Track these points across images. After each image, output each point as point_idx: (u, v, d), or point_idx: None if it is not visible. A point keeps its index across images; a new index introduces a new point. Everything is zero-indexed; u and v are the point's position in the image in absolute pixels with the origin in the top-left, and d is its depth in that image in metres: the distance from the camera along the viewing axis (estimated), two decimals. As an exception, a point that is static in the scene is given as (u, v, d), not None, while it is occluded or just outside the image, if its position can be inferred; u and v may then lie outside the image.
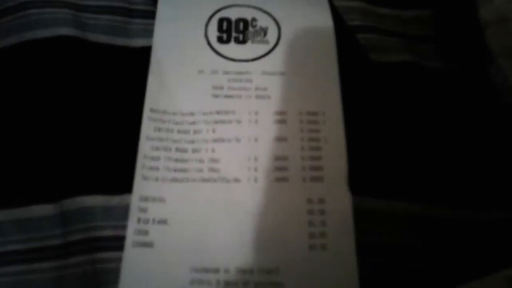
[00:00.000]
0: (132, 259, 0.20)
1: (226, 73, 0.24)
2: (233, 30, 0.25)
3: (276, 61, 0.24)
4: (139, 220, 0.21)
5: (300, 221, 0.21)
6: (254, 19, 0.26)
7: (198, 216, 0.21)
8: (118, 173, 0.21)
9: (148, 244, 0.20)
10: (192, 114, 0.23)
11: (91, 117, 0.23)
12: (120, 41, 0.25)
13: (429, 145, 0.23)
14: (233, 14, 0.26)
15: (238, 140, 0.22)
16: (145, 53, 0.24)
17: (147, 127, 0.22)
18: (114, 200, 0.21)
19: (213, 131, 0.22)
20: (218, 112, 0.23)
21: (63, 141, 0.22)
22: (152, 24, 0.25)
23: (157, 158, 0.22)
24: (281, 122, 0.23)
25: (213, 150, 0.22)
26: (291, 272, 0.20)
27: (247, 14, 0.26)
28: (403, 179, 0.22)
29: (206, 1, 0.26)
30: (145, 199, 0.21)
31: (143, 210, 0.21)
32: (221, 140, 0.22)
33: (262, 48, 0.25)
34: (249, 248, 0.20)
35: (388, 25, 0.27)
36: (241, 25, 0.26)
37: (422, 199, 0.22)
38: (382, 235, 0.21)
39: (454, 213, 0.21)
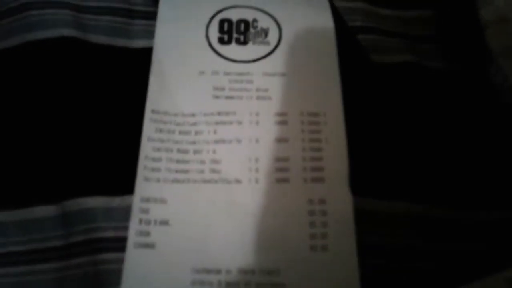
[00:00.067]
0: (134, 260, 0.20)
1: (227, 74, 0.24)
2: (234, 31, 0.25)
3: (277, 62, 0.24)
4: (140, 221, 0.21)
5: (301, 222, 0.21)
6: (255, 20, 0.26)
7: (199, 217, 0.21)
8: (120, 174, 0.22)
9: (150, 245, 0.20)
10: (193, 115, 0.23)
11: (92, 118, 0.23)
12: (120, 42, 0.25)
13: (430, 145, 0.23)
14: (234, 15, 0.26)
15: (239, 141, 0.22)
16: (146, 54, 0.24)
17: (148, 128, 0.22)
18: (116, 201, 0.21)
19: (214, 132, 0.22)
20: (219, 113, 0.23)
21: (64, 142, 0.22)
22: (153, 25, 0.25)
23: (158, 159, 0.22)
24: (282, 123, 0.23)
25: (214, 151, 0.22)
26: (292, 272, 0.20)
27: (248, 15, 0.26)
28: (404, 180, 0.22)
29: (207, 2, 0.26)
30: (147, 200, 0.21)
31: (145, 211, 0.21)
32: (222, 141, 0.22)
33: (263, 49, 0.25)
34: (250, 249, 0.20)
35: (390, 26, 0.27)
36: (242, 26, 0.26)
37: (423, 199, 0.22)
38: (383, 235, 0.21)
39: (455, 213, 0.21)
